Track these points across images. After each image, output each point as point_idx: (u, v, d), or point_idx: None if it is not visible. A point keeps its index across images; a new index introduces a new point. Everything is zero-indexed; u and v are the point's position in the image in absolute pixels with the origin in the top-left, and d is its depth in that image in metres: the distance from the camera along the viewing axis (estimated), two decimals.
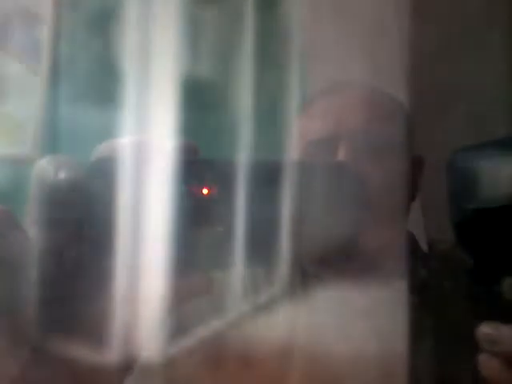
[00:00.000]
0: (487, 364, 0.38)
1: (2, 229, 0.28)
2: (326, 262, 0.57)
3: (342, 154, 0.57)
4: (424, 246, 0.72)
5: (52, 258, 0.29)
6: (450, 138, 0.69)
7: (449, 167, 0.55)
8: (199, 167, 0.30)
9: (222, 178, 0.30)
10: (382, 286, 0.56)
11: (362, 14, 0.73)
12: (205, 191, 0.30)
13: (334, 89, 0.62)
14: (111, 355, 0.28)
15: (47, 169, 0.29)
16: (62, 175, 0.28)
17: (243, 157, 0.30)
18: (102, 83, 0.94)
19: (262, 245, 0.30)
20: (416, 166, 0.63)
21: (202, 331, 0.50)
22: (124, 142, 0.30)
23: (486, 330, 0.38)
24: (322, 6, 0.75)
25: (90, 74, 0.95)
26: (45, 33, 1.01)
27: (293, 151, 0.62)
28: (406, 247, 0.59)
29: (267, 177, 0.30)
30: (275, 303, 0.49)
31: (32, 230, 0.29)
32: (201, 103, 0.76)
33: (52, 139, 1.00)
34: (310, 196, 0.32)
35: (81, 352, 0.29)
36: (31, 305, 0.28)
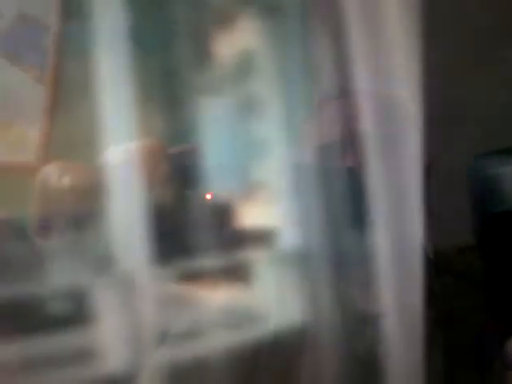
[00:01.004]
0: None
1: (7, 235, 0.28)
2: None
3: (350, 159, 0.56)
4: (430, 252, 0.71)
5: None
6: (459, 149, 0.69)
7: (470, 173, 0.54)
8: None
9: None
10: None
11: (375, 29, 0.72)
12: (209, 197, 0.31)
13: (341, 94, 0.62)
14: None
15: (51, 174, 0.28)
16: (66, 181, 0.28)
17: None
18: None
19: None
20: (426, 170, 0.62)
21: None
22: (131, 148, 0.30)
23: None
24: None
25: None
26: (50, 42, 1.01)
27: (303, 155, 0.62)
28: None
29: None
30: None
31: (37, 235, 0.29)
32: None
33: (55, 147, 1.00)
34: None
35: None
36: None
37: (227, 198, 0.49)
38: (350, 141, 0.57)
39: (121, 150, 0.30)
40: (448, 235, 0.68)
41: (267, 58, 0.72)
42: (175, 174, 0.31)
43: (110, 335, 0.40)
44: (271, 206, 0.55)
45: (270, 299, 0.52)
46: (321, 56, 0.72)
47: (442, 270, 0.60)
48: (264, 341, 0.50)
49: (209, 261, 0.49)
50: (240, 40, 0.75)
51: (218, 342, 0.49)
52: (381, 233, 0.51)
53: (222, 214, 0.45)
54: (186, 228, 0.35)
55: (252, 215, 0.53)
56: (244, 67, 0.72)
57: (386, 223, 0.53)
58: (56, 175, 0.28)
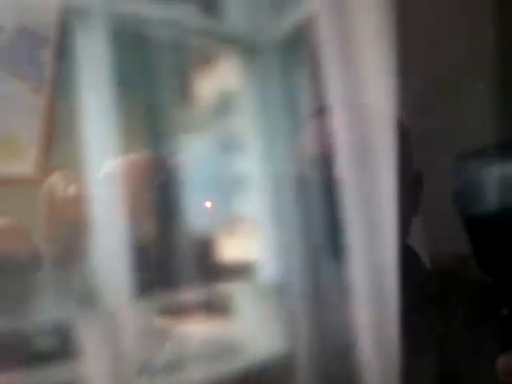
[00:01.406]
0: None
1: (15, 243, 0.29)
2: None
3: (337, 171, 0.57)
4: (426, 262, 0.72)
5: None
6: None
7: (453, 175, 0.55)
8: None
9: None
10: None
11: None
12: (208, 204, 0.32)
13: (328, 106, 0.63)
14: None
15: (57, 184, 0.30)
16: (72, 191, 0.29)
17: None
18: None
19: None
20: (415, 181, 0.64)
21: None
22: (126, 160, 0.31)
23: (507, 361, 0.34)
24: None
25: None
26: (47, 53, 1.02)
27: (296, 167, 0.63)
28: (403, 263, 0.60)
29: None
30: None
31: (43, 244, 0.30)
32: None
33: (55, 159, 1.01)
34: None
35: None
36: None
37: (208, 231, 0.50)
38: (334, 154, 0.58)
39: (105, 168, 0.31)
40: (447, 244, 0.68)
41: (248, 97, 0.75)
42: (159, 203, 0.32)
43: (94, 369, 0.41)
44: (251, 239, 0.57)
45: (251, 331, 0.53)
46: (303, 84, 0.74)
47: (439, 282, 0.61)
48: (245, 372, 0.50)
49: (190, 294, 0.50)
50: (221, 79, 0.77)
51: (199, 374, 0.49)
52: (356, 260, 0.53)
53: (204, 247, 0.46)
54: (169, 261, 0.36)
55: (233, 248, 0.54)
56: (225, 105, 0.74)
57: (361, 248, 0.54)
58: (62, 184, 0.29)
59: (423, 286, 0.61)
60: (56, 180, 0.29)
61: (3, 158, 1.02)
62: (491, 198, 0.44)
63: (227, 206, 0.59)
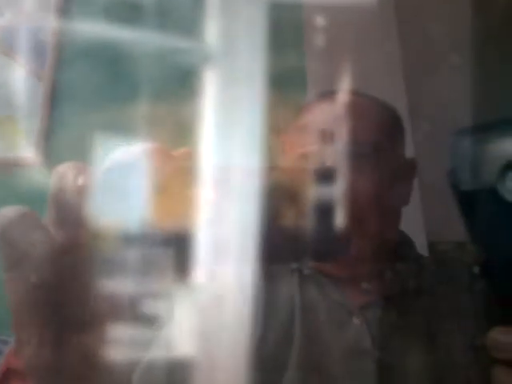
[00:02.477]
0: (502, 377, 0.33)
1: (28, 228, 0.30)
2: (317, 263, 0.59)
3: (329, 164, 0.57)
4: (424, 249, 0.73)
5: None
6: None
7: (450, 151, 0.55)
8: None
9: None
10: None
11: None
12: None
13: (320, 100, 0.63)
14: None
15: (65, 175, 0.30)
16: (81, 181, 0.29)
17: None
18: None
19: None
20: (409, 168, 0.64)
21: None
22: (136, 149, 0.31)
23: (496, 336, 0.34)
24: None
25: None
26: (49, 38, 1.02)
27: (284, 164, 0.63)
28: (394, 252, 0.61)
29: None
30: None
31: (53, 230, 0.30)
32: None
33: (54, 143, 1.01)
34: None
35: None
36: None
37: None
38: (327, 148, 0.58)
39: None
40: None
41: None
42: None
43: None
44: None
45: None
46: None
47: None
48: None
49: None
50: None
51: None
52: None
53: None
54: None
55: None
56: None
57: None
58: (71, 175, 0.30)
59: (418, 273, 0.61)
60: (65, 170, 0.30)
61: (2, 141, 1.02)
62: (488, 175, 0.44)
63: None
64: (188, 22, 0.82)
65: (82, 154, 0.33)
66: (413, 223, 0.70)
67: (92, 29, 0.94)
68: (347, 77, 0.64)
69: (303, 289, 0.60)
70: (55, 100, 1.02)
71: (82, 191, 0.29)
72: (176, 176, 0.30)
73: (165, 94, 0.86)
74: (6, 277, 0.30)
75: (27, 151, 1.00)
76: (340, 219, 0.38)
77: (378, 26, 0.75)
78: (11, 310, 0.31)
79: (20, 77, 1.02)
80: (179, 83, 0.83)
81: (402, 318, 0.57)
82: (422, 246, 0.71)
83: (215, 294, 0.47)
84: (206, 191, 0.30)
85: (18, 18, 1.01)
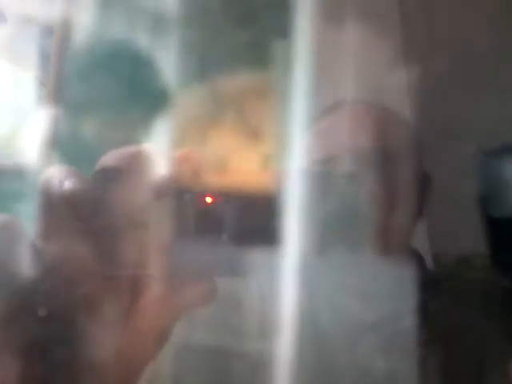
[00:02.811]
0: None
1: (8, 240, 0.27)
2: None
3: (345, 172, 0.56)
4: (429, 262, 0.71)
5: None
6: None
7: (476, 171, 0.52)
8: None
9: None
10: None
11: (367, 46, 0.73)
12: (208, 200, 0.30)
13: (336, 107, 0.62)
14: None
15: (52, 179, 0.28)
16: (67, 185, 0.28)
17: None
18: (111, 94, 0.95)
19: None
20: (423, 182, 0.62)
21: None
22: (127, 152, 0.29)
23: None
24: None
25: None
26: (53, 44, 1.02)
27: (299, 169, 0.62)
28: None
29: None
30: None
31: (40, 241, 0.28)
32: None
33: (58, 150, 1.01)
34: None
35: None
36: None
37: None
38: (343, 155, 0.57)
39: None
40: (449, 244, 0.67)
41: None
42: None
43: None
44: None
45: None
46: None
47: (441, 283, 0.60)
48: None
49: None
50: None
51: None
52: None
53: None
54: None
55: None
56: None
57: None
58: (57, 179, 0.28)
59: (428, 289, 0.59)
60: (52, 174, 0.28)
61: (8, 148, 1.01)
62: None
63: None
64: None
65: (88, 161, 0.31)
66: (418, 237, 0.68)
67: (99, 33, 0.93)
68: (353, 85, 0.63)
69: (313, 305, 0.58)
70: (60, 106, 1.01)
71: (68, 197, 0.27)
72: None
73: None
74: None
75: (32, 158, 1.00)
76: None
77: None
78: None
79: (24, 83, 1.02)
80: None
81: (423, 344, 0.55)
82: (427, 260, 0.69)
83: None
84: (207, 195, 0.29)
85: (22, 24, 1.01)
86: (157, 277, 0.29)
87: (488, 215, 0.49)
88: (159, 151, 0.30)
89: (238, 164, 0.74)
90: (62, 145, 1.01)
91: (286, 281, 0.31)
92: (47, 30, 1.01)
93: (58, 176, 0.28)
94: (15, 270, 0.27)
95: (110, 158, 0.29)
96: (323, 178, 0.29)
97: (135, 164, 0.29)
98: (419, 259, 0.65)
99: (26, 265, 0.27)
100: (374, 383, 0.53)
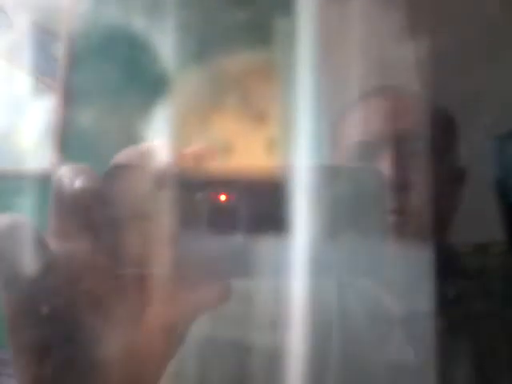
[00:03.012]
0: None
1: (20, 239, 0.27)
2: None
3: (387, 158, 0.54)
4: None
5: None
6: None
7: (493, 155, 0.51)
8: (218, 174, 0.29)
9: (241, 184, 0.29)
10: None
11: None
12: (223, 197, 0.29)
13: (379, 92, 0.60)
14: None
15: (64, 178, 0.28)
16: (78, 184, 0.27)
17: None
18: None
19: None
20: (459, 176, 0.61)
21: None
22: (141, 149, 0.29)
23: None
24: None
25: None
26: (60, 48, 1.02)
27: (331, 153, 0.61)
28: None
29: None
30: None
31: (53, 241, 0.28)
32: None
33: (70, 152, 1.01)
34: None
35: None
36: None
37: None
38: (386, 140, 0.56)
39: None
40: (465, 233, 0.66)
41: None
42: None
43: None
44: None
45: None
46: None
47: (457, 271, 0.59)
48: None
49: None
50: None
51: None
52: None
53: None
54: None
55: None
56: None
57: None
58: (68, 177, 0.27)
59: (461, 282, 0.58)
60: (64, 172, 0.27)
61: (18, 153, 1.02)
62: None
63: None
64: None
65: (98, 163, 0.31)
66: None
67: (106, 33, 0.92)
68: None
69: (342, 297, 0.56)
70: (68, 109, 1.01)
71: (79, 194, 0.27)
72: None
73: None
74: (2, 296, 0.28)
75: (41, 162, 1.00)
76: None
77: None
78: (8, 332, 0.28)
79: (31, 87, 1.02)
80: None
81: (448, 332, 0.54)
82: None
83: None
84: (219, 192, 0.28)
85: (27, 28, 1.01)
86: (168, 275, 0.28)
87: (505, 200, 0.48)
88: (168, 146, 0.29)
89: (243, 148, 0.72)
90: (61, 134, 1.01)
91: (297, 269, 0.30)
92: (53, 34, 1.01)
93: (69, 174, 0.28)
94: (25, 267, 0.27)
95: (123, 156, 0.28)
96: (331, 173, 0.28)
97: (146, 161, 0.28)
98: (455, 252, 0.63)
99: (36, 262, 0.27)
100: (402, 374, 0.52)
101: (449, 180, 0.57)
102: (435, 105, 0.59)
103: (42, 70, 1.03)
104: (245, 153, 0.73)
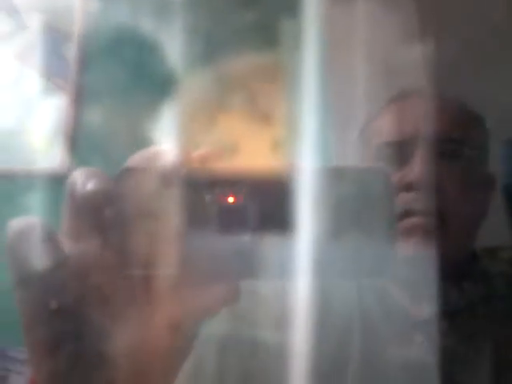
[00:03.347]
0: None
1: (37, 241, 0.28)
2: None
3: (417, 158, 0.54)
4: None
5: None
6: None
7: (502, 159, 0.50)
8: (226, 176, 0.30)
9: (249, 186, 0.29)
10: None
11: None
12: (231, 199, 0.29)
13: (410, 95, 0.60)
14: None
15: (77, 181, 0.28)
16: (90, 187, 0.27)
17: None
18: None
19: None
20: (489, 183, 0.60)
21: None
22: (151, 152, 0.29)
23: None
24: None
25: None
26: (72, 49, 1.03)
27: (361, 154, 0.61)
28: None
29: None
30: None
31: (66, 242, 0.28)
32: None
33: (80, 151, 1.01)
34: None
35: None
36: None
37: None
38: (417, 141, 0.55)
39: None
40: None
41: None
42: None
43: None
44: None
45: None
46: None
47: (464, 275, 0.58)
48: None
49: None
50: None
51: None
52: None
53: None
54: None
55: None
56: None
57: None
58: (81, 180, 0.28)
59: (484, 288, 0.58)
60: (77, 176, 0.28)
61: (29, 153, 1.03)
62: None
63: None
64: None
65: (107, 163, 0.31)
66: None
67: (115, 34, 0.93)
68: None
69: (362, 299, 0.56)
70: (79, 110, 1.01)
71: (91, 197, 0.27)
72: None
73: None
74: (16, 295, 0.28)
75: (53, 162, 1.01)
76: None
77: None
78: (23, 330, 0.28)
79: (43, 87, 1.03)
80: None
81: (468, 335, 0.54)
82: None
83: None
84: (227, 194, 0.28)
85: (39, 28, 1.02)
86: (176, 275, 0.28)
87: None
88: (176, 149, 0.29)
89: (249, 149, 0.73)
90: (71, 134, 1.01)
91: (302, 269, 0.30)
92: (64, 34, 1.01)
93: (82, 177, 0.28)
94: (38, 266, 0.27)
95: (135, 160, 0.29)
96: (337, 174, 0.28)
97: (156, 164, 0.29)
98: (477, 256, 0.62)
99: (49, 262, 0.28)
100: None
101: (480, 185, 0.57)
102: (467, 108, 0.58)
103: (53, 70, 1.04)
104: (251, 153, 0.74)
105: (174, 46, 0.83)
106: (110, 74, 0.91)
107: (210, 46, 0.84)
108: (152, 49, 0.87)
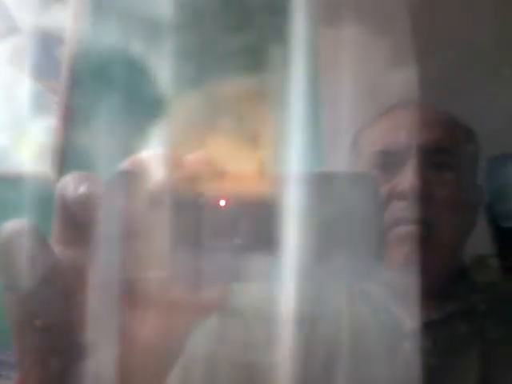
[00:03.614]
0: None
1: (27, 244, 0.28)
2: None
3: (409, 168, 0.55)
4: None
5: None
6: None
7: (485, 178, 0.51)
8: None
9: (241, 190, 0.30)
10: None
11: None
12: (222, 203, 0.30)
13: (405, 105, 0.61)
14: None
15: (68, 185, 0.28)
16: (82, 190, 0.27)
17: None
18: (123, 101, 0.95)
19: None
20: (477, 195, 0.60)
21: None
22: (147, 156, 0.29)
23: None
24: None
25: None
26: (64, 52, 1.03)
27: (353, 162, 0.61)
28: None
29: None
30: None
31: (57, 246, 0.28)
32: None
33: (71, 157, 1.01)
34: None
35: None
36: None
37: None
38: (411, 150, 0.55)
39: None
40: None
41: None
42: None
43: None
44: None
45: None
46: None
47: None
48: None
49: None
50: None
51: None
52: None
53: None
54: None
55: None
56: None
57: None
58: (73, 184, 0.28)
59: (474, 298, 0.58)
60: (67, 180, 0.28)
61: (21, 155, 1.02)
62: None
63: None
64: None
65: (99, 168, 0.31)
66: None
67: (108, 43, 0.93)
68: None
69: (351, 305, 0.56)
70: (71, 114, 1.02)
71: (83, 201, 0.27)
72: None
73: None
74: (5, 299, 0.28)
75: (42, 165, 1.00)
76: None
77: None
78: (12, 334, 0.29)
79: (35, 91, 1.03)
80: None
81: (457, 346, 0.54)
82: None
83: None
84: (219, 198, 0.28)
85: (33, 33, 1.02)
86: (165, 280, 0.28)
87: (495, 223, 0.48)
88: (165, 157, 0.30)
89: (236, 170, 0.73)
90: (60, 153, 1.02)
91: (288, 287, 0.30)
92: (57, 40, 1.02)
93: (74, 181, 0.28)
94: (29, 271, 0.27)
95: (127, 164, 0.29)
96: (324, 180, 0.28)
97: (148, 169, 0.29)
98: (466, 266, 0.62)
99: (40, 266, 0.27)
100: None
101: (469, 197, 0.58)
102: (459, 121, 0.59)
103: (47, 73, 1.03)
104: (238, 175, 0.74)
105: (163, 68, 0.84)
106: (100, 96, 0.92)
107: (200, 69, 0.85)
108: (142, 71, 0.88)
